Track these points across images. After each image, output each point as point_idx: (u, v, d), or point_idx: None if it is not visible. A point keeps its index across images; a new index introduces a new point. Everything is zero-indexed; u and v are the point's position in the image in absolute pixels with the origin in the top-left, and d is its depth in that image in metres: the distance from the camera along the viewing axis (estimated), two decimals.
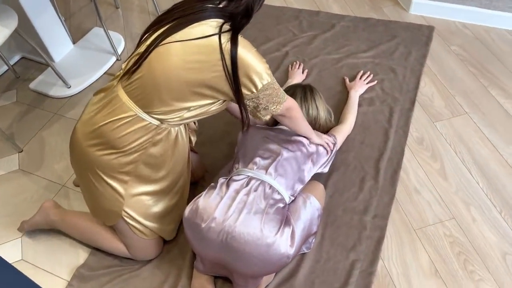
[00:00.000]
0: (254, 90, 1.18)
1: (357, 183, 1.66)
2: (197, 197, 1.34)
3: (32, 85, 2.22)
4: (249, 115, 1.27)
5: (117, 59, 2.32)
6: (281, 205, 1.31)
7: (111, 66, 2.29)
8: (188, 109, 1.22)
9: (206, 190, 1.33)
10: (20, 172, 1.86)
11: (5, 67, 2.32)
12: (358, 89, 1.94)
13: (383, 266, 1.44)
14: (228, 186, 1.32)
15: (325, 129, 1.65)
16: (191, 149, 1.57)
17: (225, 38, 1.14)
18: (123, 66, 1.26)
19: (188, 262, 1.50)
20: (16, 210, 1.72)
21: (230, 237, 1.22)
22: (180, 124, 1.32)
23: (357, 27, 2.31)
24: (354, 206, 1.60)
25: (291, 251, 1.25)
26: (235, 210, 1.25)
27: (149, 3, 2.70)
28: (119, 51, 2.34)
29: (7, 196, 1.77)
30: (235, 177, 1.34)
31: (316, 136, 1.49)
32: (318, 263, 1.46)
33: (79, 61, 2.31)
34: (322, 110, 1.61)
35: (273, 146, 1.43)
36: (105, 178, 1.30)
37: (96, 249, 1.56)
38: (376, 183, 1.65)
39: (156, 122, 1.25)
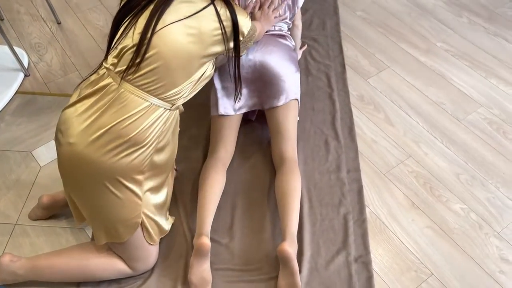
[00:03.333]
0: (242, 38, 1.32)
1: (322, 146, 1.78)
2: None
3: None
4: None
5: (25, 75, 2.05)
6: None
7: (21, 83, 2.02)
8: (193, 83, 1.27)
9: None
10: None
11: None
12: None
13: (371, 212, 1.59)
14: None
15: None
16: None
17: (219, 4, 1.24)
18: (109, 62, 1.19)
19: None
20: None
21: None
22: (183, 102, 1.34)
23: None
24: (327, 167, 1.71)
25: None
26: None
27: (40, 10, 2.42)
28: (25, 65, 2.07)
29: None
30: None
31: (267, 23, 1.56)
32: (315, 226, 1.55)
33: None
34: None
35: None
36: (126, 183, 1.21)
37: (83, 284, 1.40)
38: (339, 143, 1.79)
39: (169, 106, 1.25)
